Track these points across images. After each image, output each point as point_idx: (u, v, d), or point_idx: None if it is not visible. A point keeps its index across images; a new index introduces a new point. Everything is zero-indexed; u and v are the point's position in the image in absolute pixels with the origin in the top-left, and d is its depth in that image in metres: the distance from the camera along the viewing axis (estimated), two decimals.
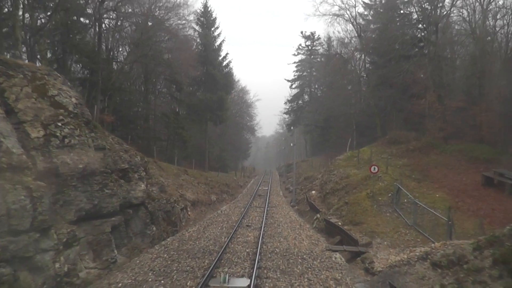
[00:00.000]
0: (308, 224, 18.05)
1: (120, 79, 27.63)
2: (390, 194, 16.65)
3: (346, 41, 44.64)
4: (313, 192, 24.11)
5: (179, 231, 16.35)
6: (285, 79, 75.60)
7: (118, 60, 28.76)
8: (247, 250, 12.25)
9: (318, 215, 17.67)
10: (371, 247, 12.17)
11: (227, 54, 38.17)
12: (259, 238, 13.48)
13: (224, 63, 37.96)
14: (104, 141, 11.85)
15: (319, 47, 68.51)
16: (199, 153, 44.47)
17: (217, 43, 37.35)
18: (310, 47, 69.26)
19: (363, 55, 43.27)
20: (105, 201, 10.44)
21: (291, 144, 25.00)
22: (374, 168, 16.46)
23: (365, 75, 42.28)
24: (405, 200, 15.98)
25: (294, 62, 70.69)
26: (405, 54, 37.07)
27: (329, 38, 62.85)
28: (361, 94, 43.37)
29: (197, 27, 36.31)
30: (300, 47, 70.09)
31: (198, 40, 36.69)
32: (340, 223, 15.08)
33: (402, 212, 15.14)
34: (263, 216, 18.99)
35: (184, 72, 36.96)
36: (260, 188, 35.92)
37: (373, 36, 38.80)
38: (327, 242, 14.07)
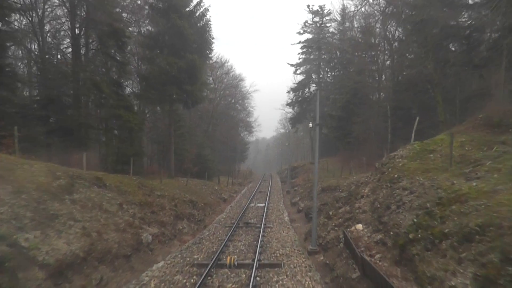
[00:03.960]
0: None
1: None
2: None
3: None
4: (359, 227, 11.04)
5: None
6: (288, 63, 62.77)
7: None
8: None
9: None
10: None
11: None
12: None
13: (198, 12, 24.91)
14: None
15: (329, 24, 55.78)
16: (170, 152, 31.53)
17: None
18: (319, 24, 56.43)
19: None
20: None
21: (310, 125, 11.84)
22: None
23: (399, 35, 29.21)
24: None
25: (300, 42, 57.84)
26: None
27: (343, 8, 50.37)
28: (396, 66, 30.26)
29: None
30: (307, 24, 57.28)
31: None
32: None
33: None
34: None
35: (135, 24, 24.14)
36: (252, 205, 22.82)
37: None
38: None
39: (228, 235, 13.51)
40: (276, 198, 27.34)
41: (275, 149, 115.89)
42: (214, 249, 11.77)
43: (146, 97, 24.73)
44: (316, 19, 56.36)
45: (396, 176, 11.98)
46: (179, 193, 18.37)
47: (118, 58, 21.30)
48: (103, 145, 21.55)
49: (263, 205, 22.59)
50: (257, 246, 11.80)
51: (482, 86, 25.19)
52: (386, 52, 33.38)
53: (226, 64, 53.25)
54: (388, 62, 35.20)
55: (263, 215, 18.25)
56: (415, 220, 9.02)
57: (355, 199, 12.96)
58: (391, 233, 9.58)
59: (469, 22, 24.36)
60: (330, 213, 13.60)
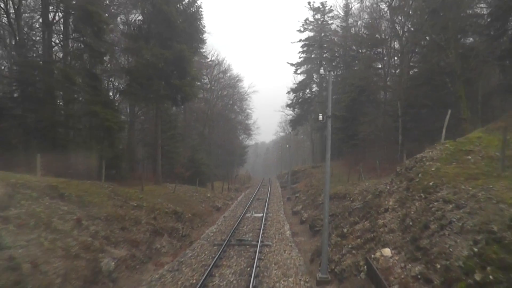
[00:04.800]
0: None
1: None
2: None
3: None
4: (387, 252, 8.33)
5: None
6: (288, 63, 60.28)
7: None
8: None
9: None
10: None
11: None
12: None
13: None
14: None
15: (331, 22, 53.23)
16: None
17: None
18: (320, 22, 53.94)
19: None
20: None
21: (320, 117, 9.02)
22: None
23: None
24: None
25: (300, 40, 55.29)
26: None
27: (347, 3, 47.81)
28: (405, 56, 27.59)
29: None
30: (307, 21, 54.84)
31: None
32: None
33: None
34: None
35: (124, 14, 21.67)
36: (248, 215, 20.03)
37: None
38: None
39: (215, 258, 10.73)
40: (276, 206, 24.55)
41: (274, 153, 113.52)
42: (194, 281, 8.98)
43: (130, 93, 22.02)
44: (317, 16, 53.95)
45: (431, 184, 9.24)
46: (162, 202, 15.59)
47: (96, 47, 18.57)
48: (81, 147, 18.76)
49: (260, 215, 19.82)
50: (251, 276, 9.04)
51: (502, 80, 22.63)
52: (395, 44, 30.83)
53: (223, 64, 50.63)
54: (396, 58, 32.64)
55: (260, 229, 15.48)
56: (475, 249, 6.28)
57: (377, 213, 10.17)
58: (438, 265, 6.82)
59: (489, 10, 21.88)
60: (345, 230, 10.82)
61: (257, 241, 13.06)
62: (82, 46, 19.63)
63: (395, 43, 31.08)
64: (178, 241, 13.79)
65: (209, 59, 46.83)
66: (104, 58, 19.29)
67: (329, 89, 9.68)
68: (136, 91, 21.63)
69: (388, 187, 11.67)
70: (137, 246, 11.32)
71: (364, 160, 30.98)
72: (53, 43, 21.20)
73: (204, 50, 47.00)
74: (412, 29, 27.89)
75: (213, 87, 48.25)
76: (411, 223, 8.60)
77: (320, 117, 9.36)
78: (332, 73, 10.37)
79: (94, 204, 11.61)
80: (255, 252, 11.56)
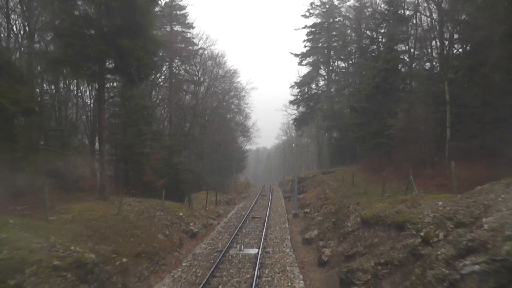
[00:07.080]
0: None
1: None
2: None
3: None
4: None
5: None
6: (292, 53, 53.11)
7: None
8: None
9: None
10: None
11: None
12: None
13: None
14: None
15: (341, 5, 46.02)
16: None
17: None
18: (328, 5, 46.73)
19: None
20: None
21: None
22: None
23: None
24: None
25: (305, 27, 47.88)
26: None
27: None
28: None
29: None
30: (314, 5, 47.65)
31: None
32: None
33: None
34: None
35: None
36: (233, 253, 12.35)
37: None
38: None
39: None
40: (279, 230, 16.88)
41: (276, 159, 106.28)
42: None
43: (59, 62, 14.64)
44: None
45: None
46: (57, 243, 8.00)
47: None
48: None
49: (254, 251, 12.21)
50: None
51: None
52: (431, 8, 23.59)
53: (217, 55, 42.88)
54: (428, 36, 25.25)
55: None
56: None
57: None
58: None
59: None
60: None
61: None
62: None
63: (430, 7, 23.70)
64: None
65: (198, 46, 39.53)
66: None
67: None
68: (67, 58, 14.28)
69: None
70: None
71: (391, 164, 23.54)
72: None
73: (191, 35, 39.94)
74: None
75: (202, 79, 40.78)
76: None
77: None
78: None
79: None
80: None
